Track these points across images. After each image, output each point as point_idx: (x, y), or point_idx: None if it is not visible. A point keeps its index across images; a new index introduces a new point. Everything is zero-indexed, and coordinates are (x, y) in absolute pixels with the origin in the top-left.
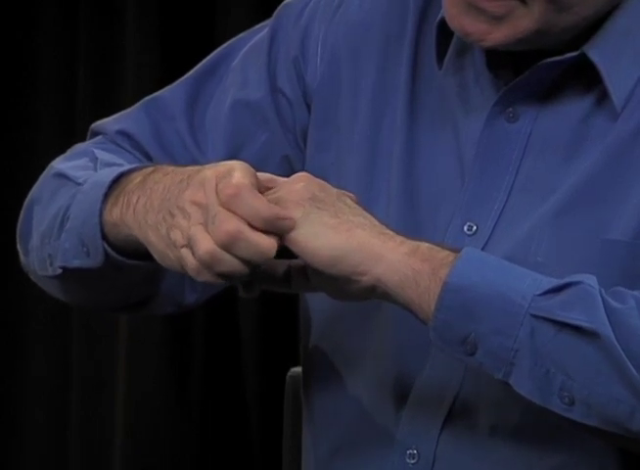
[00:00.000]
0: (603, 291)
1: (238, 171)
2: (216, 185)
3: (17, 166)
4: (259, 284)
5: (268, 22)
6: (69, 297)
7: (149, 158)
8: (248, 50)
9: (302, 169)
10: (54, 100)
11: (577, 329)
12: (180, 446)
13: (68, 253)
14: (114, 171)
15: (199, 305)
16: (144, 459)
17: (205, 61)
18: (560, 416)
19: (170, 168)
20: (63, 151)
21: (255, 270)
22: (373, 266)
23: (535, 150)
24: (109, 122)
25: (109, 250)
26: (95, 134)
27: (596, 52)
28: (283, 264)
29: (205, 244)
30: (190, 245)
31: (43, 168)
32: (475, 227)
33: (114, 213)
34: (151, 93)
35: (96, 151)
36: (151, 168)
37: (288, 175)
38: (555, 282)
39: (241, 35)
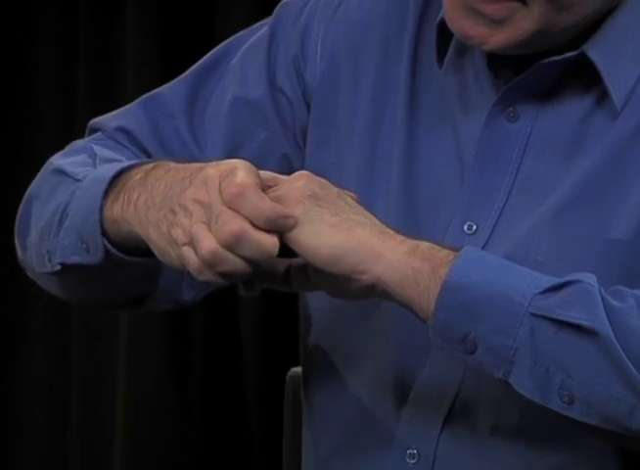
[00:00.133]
0: (602, 290)
1: (241, 170)
2: (219, 184)
3: (17, 166)
4: (260, 283)
5: (268, 20)
6: (68, 293)
7: (148, 155)
8: (247, 48)
9: (302, 168)
10: (54, 100)
11: (577, 328)
12: (180, 446)
13: (67, 249)
14: (114, 167)
15: (196, 302)
16: (144, 459)
17: (204, 58)
18: (559, 415)
19: (172, 165)
20: None
21: (257, 269)
22: (373, 265)
23: (535, 149)
24: (107, 119)
25: (109, 246)
26: (93, 131)
27: (595, 51)
28: (283, 263)
29: (208, 243)
30: (192, 243)
31: None
32: (475, 227)
33: (115, 210)
34: None
35: (95, 147)
36: (152, 165)
37: (287, 174)
38: (555, 281)
39: (241, 33)
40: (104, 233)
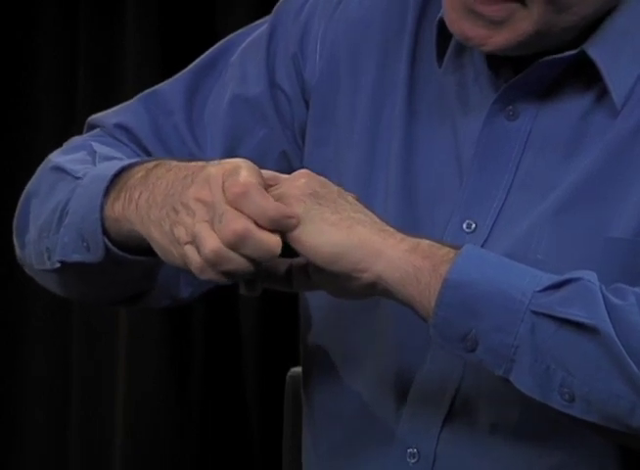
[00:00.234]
0: (603, 287)
1: (244, 169)
2: (222, 183)
3: (17, 166)
4: (261, 282)
5: (268, 17)
6: (66, 290)
7: (147, 151)
8: (247, 45)
9: (301, 166)
10: (54, 100)
11: (578, 325)
12: (180, 446)
13: (67, 247)
14: (115, 166)
15: (193, 299)
16: (144, 459)
17: (204, 55)
18: (560, 413)
19: (173, 164)
20: None
21: (258, 269)
22: (373, 263)
23: (535, 147)
24: (107, 116)
25: (109, 245)
26: (92, 127)
27: (595, 50)
28: (284, 263)
29: (211, 242)
30: (195, 243)
31: None
32: (474, 225)
33: (116, 209)
34: None
35: (94, 144)
36: (153, 163)
37: (286, 171)
38: (555, 278)
39: (240, 30)
40: (104, 232)
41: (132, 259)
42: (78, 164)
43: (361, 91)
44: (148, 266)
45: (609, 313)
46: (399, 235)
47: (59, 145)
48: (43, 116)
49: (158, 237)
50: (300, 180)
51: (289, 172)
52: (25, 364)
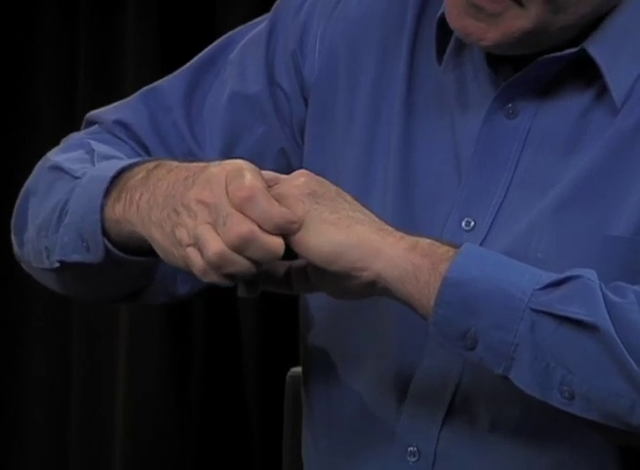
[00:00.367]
0: (603, 285)
1: (248, 172)
2: (226, 184)
3: (17, 166)
4: (261, 284)
5: (267, 15)
6: (65, 288)
7: (145, 148)
8: (246, 42)
9: (299, 163)
10: (54, 100)
11: (577, 323)
12: (180, 446)
13: (66, 247)
14: (115, 166)
15: (191, 296)
16: (144, 459)
17: (203, 52)
18: (560, 411)
19: (174, 165)
20: None
21: (259, 270)
22: (373, 262)
23: (535, 145)
24: (106, 112)
25: (109, 246)
26: (91, 123)
27: (596, 48)
28: (283, 265)
29: (215, 245)
30: (198, 245)
31: None
32: (473, 223)
33: (117, 210)
34: None
35: (92, 142)
36: (153, 164)
37: (284, 169)
38: (555, 276)
39: (240, 28)
40: (104, 232)
41: (132, 260)
42: (77, 163)
43: (360, 88)
44: (147, 265)
45: (608, 311)
46: (398, 234)
47: (59, 144)
48: (43, 116)
49: (159, 238)
50: (299, 180)
51: (287, 170)
52: (25, 364)
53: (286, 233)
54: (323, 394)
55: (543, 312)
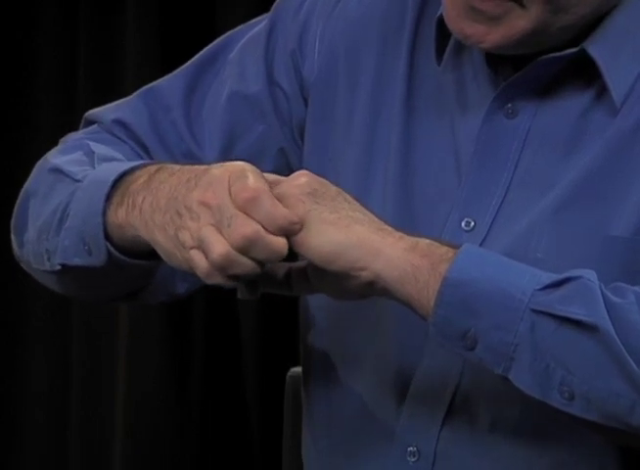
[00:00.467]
0: (602, 286)
1: (251, 174)
2: (229, 186)
3: (17, 166)
4: (262, 286)
5: (267, 15)
6: (65, 289)
7: (144, 148)
8: (246, 42)
9: (299, 163)
10: (54, 100)
11: (577, 323)
12: (180, 446)
13: (68, 250)
14: (115, 169)
15: (189, 295)
16: (144, 459)
17: (203, 52)
18: (560, 411)
19: (176, 168)
20: None
21: (263, 270)
22: (372, 262)
23: (534, 145)
24: (105, 111)
25: (112, 249)
26: (90, 123)
27: (595, 48)
28: (283, 267)
29: (220, 247)
30: (201, 247)
31: None
32: (472, 223)
33: (120, 215)
34: None
35: (91, 144)
36: (155, 167)
37: (283, 169)
38: (555, 277)
39: (239, 27)
40: (107, 236)
41: (134, 263)
42: (76, 165)
43: (360, 89)
44: (148, 267)
45: (608, 312)
46: (398, 234)
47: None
48: (43, 116)
49: (162, 241)
50: (300, 179)
51: (287, 170)
52: (25, 364)
53: (289, 234)
54: (323, 394)
55: (543, 313)
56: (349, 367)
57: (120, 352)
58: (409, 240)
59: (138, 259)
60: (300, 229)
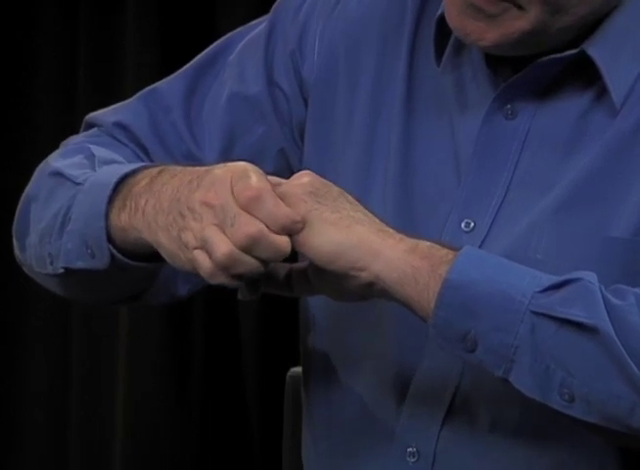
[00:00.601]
0: (603, 288)
1: (254, 174)
2: (231, 185)
3: (17, 166)
4: (262, 286)
5: (267, 16)
6: (68, 292)
7: (145, 149)
8: (245, 43)
9: (299, 164)
10: (54, 100)
11: (578, 325)
12: (180, 446)
13: (71, 254)
14: (117, 172)
15: (191, 296)
16: (144, 459)
17: (203, 53)
18: (560, 413)
19: (178, 169)
20: None
21: (266, 269)
22: (372, 262)
23: (534, 146)
24: (105, 114)
25: (115, 252)
26: (90, 126)
27: (595, 49)
28: (284, 268)
29: (223, 246)
30: (205, 247)
31: None
32: (472, 224)
33: (123, 218)
34: None
35: (92, 147)
36: (157, 169)
37: (284, 169)
38: (555, 279)
39: (239, 29)
40: (109, 239)
41: (138, 266)
42: (77, 168)
43: (360, 89)
44: (151, 269)
45: (608, 314)
46: (398, 235)
47: (59, 145)
48: (43, 116)
49: (165, 243)
50: (302, 179)
51: (287, 171)
52: (25, 364)
53: (291, 233)
54: (323, 395)
55: (543, 315)
56: (349, 368)
57: (120, 352)
58: (409, 242)
59: (141, 262)
60: (303, 228)
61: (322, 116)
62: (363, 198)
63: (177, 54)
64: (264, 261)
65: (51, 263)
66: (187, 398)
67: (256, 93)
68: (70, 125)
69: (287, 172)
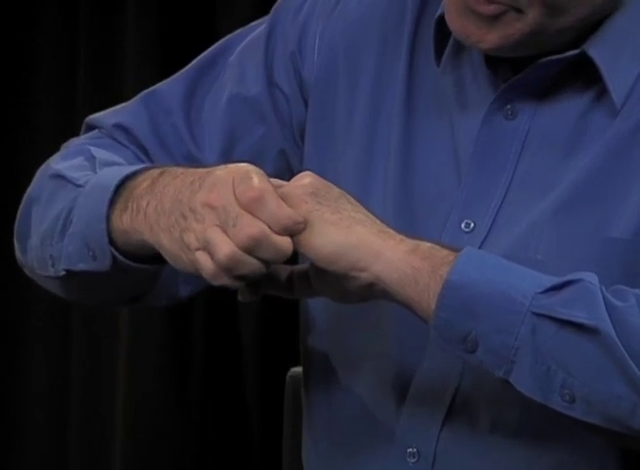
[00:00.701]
0: (604, 289)
1: (256, 175)
2: (233, 186)
3: (17, 166)
4: (263, 288)
5: (267, 17)
6: (69, 294)
7: (145, 151)
8: (245, 45)
9: (299, 164)
10: (54, 100)
11: (579, 326)
12: (180, 446)
13: (72, 256)
14: (118, 174)
15: (191, 297)
16: (144, 459)
17: (203, 55)
18: (560, 414)
19: (179, 171)
20: None
21: (268, 270)
22: (372, 263)
23: (533, 146)
24: (106, 116)
25: (117, 254)
26: (91, 128)
27: (596, 50)
28: (286, 270)
29: (225, 247)
30: (207, 249)
31: None
32: (472, 224)
33: (124, 220)
34: None
35: (92, 149)
36: (158, 171)
37: (284, 170)
38: (556, 280)
39: (239, 30)
40: (111, 241)
41: (140, 267)
42: (77, 170)
43: (360, 89)
44: (153, 271)
45: (609, 315)
46: (399, 237)
47: (59, 145)
48: (43, 116)
49: (167, 244)
50: (304, 180)
51: (287, 172)
52: (25, 364)
53: (293, 234)
54: (323, 396)
55: (544, 316)
56: (350, 369)
57: (120, 352)
58: (410, 243)
59: (143, 264)
60: (304, 229)
61: (322, 116)
62: (363, 198)
63: (177, 54)
64: (266, 262)
65: (52, 266)
66: (187, 398)
67: (256, 94)
68: (70, 125)
69: (287, 173)
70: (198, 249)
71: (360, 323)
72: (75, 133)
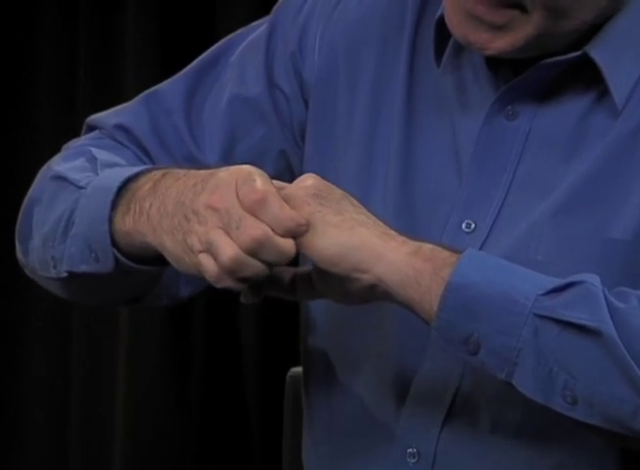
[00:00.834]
0: (606, 290)
1: (258, 177)
2: (236, 189)
3: (17, 166)
4: (265, 289)
5: (267, 17)
6: (70, 295)
7: (146, 152)
8: (246, 45)
9: (299, 164)
10: (54, 100)
11: (581, 328)
12: (180, 446)
13: (75, 258)
14: (119, 175)
15: (192, 297)
16: (144, 459)
17: (203, 55)
18: (562, 415)
19: (182, 173)
20: None
21: (271, 272)
22: (374, 265)
23: (534, 147)
24: (106, 116)
25: (119, 256)
26: (91, 128)
27: (598, 52)
28: (288, 272)
29: (229, 249)
30: (210, 251)
31: None
32: (473, 225)
33: (127, 222)
34: None
35: (93, 150)
36: (160, 173)
37: (284, 171)
38: (558, 282)
39: (240, 31)
40: (113, 243)
41: (142, 269)
42: (79, 172)
43: (360, 90)
44: (155, 272)
45: (611, 316)
46: (401, 238)
47: (59, 145)
48: (43, 116)
49: (170, 247)
50: (306, 181)
51: (288, 172)
52: (25, 364)
53: (295, 236)
54: (323, 397)
55: (546, 318)
56: (350, 369)
57: (120, 352)
58: (412, 244)
59: (146, 265)
60: (307, 231)
61: (322, 116)
62: (364, 198)
63: (177, 54)
64: (269, 264)
65: (54, 267)
66: (187, 398)
67: (257, 95)
68: (71, 125)
69: (288, 173)
70: (201, 251)
71: (361, 324)
72: (76, 133)
